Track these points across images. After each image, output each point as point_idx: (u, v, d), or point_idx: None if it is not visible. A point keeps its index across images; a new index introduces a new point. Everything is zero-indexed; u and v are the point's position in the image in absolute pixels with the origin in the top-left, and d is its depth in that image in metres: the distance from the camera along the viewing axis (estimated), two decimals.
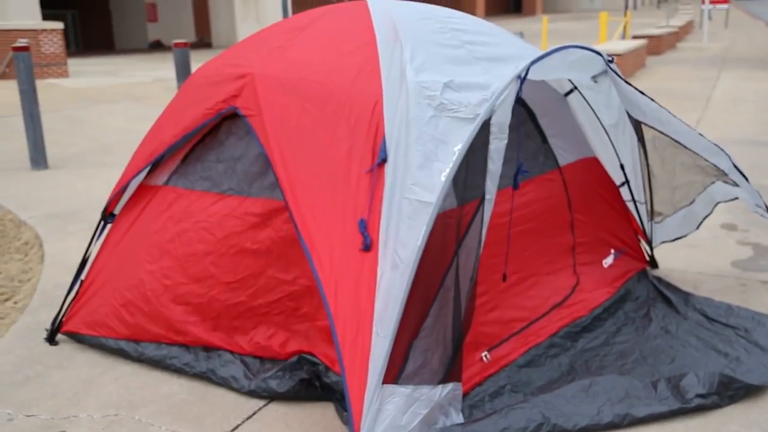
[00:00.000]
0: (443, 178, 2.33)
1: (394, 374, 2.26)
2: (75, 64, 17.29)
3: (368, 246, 2.40)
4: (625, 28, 19.46)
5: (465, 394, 2.66)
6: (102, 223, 3.32)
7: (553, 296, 3.25)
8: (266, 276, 2.81)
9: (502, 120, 2.46)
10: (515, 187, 2.97)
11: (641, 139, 3.48)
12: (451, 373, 2.40)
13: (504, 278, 3.09)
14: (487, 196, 2.44)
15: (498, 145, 2.46)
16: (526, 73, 2.55)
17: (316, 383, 2.74)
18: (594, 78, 3.14)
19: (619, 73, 3.16)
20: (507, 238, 3.09)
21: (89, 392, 2.87)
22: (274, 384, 2.75)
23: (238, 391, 2.81)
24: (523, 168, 2.99)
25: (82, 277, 3.26)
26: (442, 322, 2.37)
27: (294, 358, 2.78)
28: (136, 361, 3.05)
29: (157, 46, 25.60)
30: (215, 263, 2.88)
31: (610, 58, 3.08)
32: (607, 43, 14.18)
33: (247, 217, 2.84)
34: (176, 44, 7.11)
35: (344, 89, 2.69)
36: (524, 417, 2.52)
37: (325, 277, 2.46)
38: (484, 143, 2.42)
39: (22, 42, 6.58)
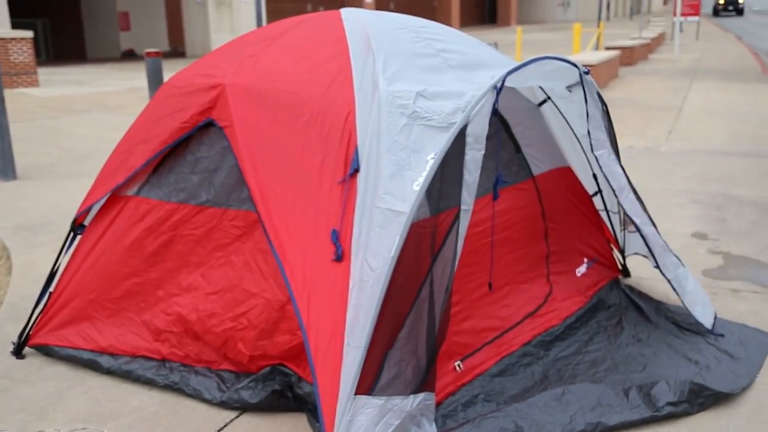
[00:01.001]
0: (416, 187, 2.33)
1: (367, 385, 2.25)
2: (45, 73, 17.09)
3: (340, 256, 2.39)
4: (598, 39, 19.69)
5: (438, 404, 2.66)
6: (71, 234, 3.27)
7: (527, 305, 3.26)
8: (239, 288, 2.79)
9: (478, 131, 2.47)
10: (495, 197, 2.98)
11: (616, 149, 3.50)
12: (424, 383, 2.40)
13: (490, 287, 3.10)
14: (463, 207, 2.44)
15: (474, 155, 2.46)
16: (503, 84, 2.56)
17: (288, 394, 2.71)
18: (569, 88, 3.16)
19: (595, 85, 3.18)
20: (486, 248, 3.10)
21: (57, 406, 2.82)
22: (246, 395, 2.72)
23: (210, 402, 2.79)
24: (502, 178, 2.99)
25: (51, 289, 3.21)
26: (417, 333, 2.36)
27: (266, 369, 2.76)
28: (105, 373, 3.01)
29: (130, 56, 25.39)
30: (204, 275, 2.88)
31: (586, 70, 3.11)
32: (580, 54, 14.34)
33: (231, 229, 2.85)
34: (148, 53, 7.05)
35: (316, 99, 2.69)
36: (497, 426, 2.52)
37: (297, 287, 2.45)
38: (459, 153, 2.42)
39: None
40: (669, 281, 3.25)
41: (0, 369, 3.11)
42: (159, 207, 2.99)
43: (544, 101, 3.39)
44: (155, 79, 7.08)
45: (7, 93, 11.92)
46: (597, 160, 3.18)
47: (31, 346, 3.19)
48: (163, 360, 2.94)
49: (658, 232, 3.34)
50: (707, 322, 3.24)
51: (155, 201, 3.01)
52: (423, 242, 2.35)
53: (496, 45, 10.12)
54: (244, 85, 2.86)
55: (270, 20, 25.19)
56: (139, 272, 2.99)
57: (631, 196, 3.25)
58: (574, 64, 3.02)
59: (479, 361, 2.92)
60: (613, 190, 3.21)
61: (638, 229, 3.24)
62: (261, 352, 2.75)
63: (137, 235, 3.01)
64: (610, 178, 3.20)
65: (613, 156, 3.22)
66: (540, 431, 2.51)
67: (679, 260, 3.36)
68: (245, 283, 2.78)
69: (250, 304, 2.76)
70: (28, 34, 14.23)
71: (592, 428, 2.57)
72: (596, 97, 3.16)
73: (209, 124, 2.92)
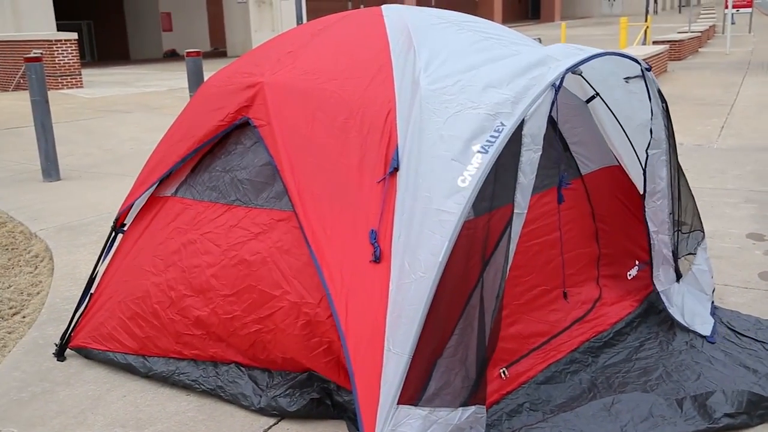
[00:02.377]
0: (461, 184, 2.23)
1: (411, 395, 2.16)
2: (89, 74, 17.40)
3: (378, 257, 2.31)
4: (645, 33, 19.25)
5: None
6: (113, 234, 3.26)
7: (575, 310, 3.15)
8: (258, 290, 2.71)
9: (535, 130, 2.34)
10: (560, 200, 2.87)
11: (673, 144, 3.34)
12: (473, 395, 2.30)
13: (565, 296, 3.00)
14: (516, 210, 2.33)
15: (531, 156, 2.34)
16: (561, 81, 2.43)
17: (327, 401, 2.65)
18: (626, 79, 3.03)
19: (657, 82, 3.03)
20: (535, 249, 2.99)
21: (96, 410, 2.80)
22: (284, 403, 2.67)
23: (248, 408, 2.74)
24: (565, 180, 2.88)
25: (92, 290, 3.20)
26: (467, 341, 2.26)
27: (304, 375, 2.70)
28: (144, 377, 2.99)
29: (171, 56, 25.73)
30: (216, 275, 2.81)
31: (648, 66, 2.97)
32: (627, 49, 14.04)
33: (252, 227, 2.77)
34: (188, 53, 7.08)
35: (356, 98, 2.62)
36: None
37: (336, 290, 2.38)
38: (514, 153, 2.31)
39: (35, 53, 6.57)
40: (658, 292, 3.21)
41: (41, 371, 3.12)
42: (192, 207, 2.96)
43: (593, 97, 3.26)
44: (196, 79, 7.11)
45: (52, 94, 12.15)
46: (647, 158, 3.06)
47: (71, 348, 3.19)
48: (196, 360, 2.89)
49: (673, 245, 3.23)
50: (702, 331, 3.13)
51: (190, 201, 2.99)
52: (473, 244, 2.25)
53: (539, 40, 9.93)
54: (282, 83, 2.80)
55: (311, 19, 25.28)
56: (159, 272, 2.96)
57: (661, 202, 3.13)
58: (636, 60, 2.89)
59: (525, 368, 2.82)
60: (645, 192, 3.10)
61: (648, 236, 3.17)
62: (291, 355, 2.68)
63: (167, 234, 2.98)
64: (648, 179, 3.09)
65: (664, 157, 3.09)
66: None
67: (680, 272, 3.27)
68: (264, 284, 2.69)
69: (273, 306, 2.67)
70: (73, 35, 14.50)
71: None
72: (657, 95, 3.03)
73: (245, 123, 2.88)
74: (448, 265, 2.18)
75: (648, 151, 3.07)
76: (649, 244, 3.18)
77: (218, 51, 26.13)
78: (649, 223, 3.15)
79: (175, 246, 2.93)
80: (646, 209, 3.13)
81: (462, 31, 2.88)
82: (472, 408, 2.27)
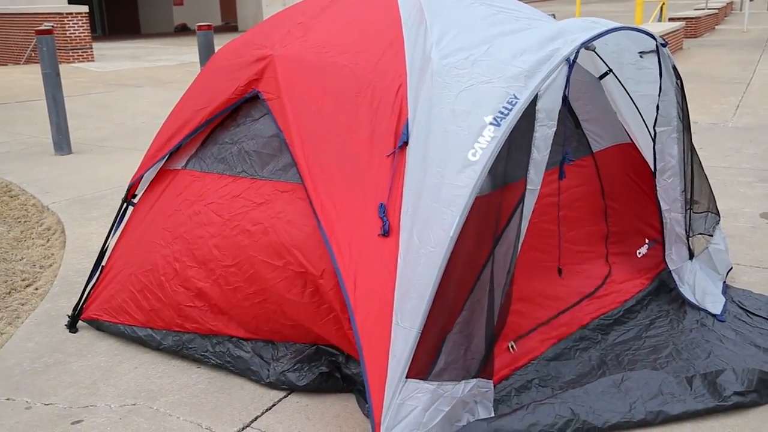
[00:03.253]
0: (471, 157, 2.22)
1: (419, 369, 2.17)
2: (100, 48, 17.35)
3: (387, 231, 2.30)
4: (661, 9, 18.98)
5: None
6: (124, 207, 3.27)
7: (584, 287, 3.14)
8: (259, 260, 2.69)
9: (549, 106, 2.32)
10: (561, 176, 2.85)
11: (688, 126, 3.30)
12: (482, 370, 2.30)
13: (559, 272, 2.98)
14: (529, 187, 2.32)
15: (545, 132, 2.32)
16: (576, 56, 2.40)
17: (336, 374, 2.66)
18: (641, 53, 3.00)
19: (672, 58, 2.99)
20: (543, 225, 2.98)
21: (108, 381, 2.83)
22: (293, 377, 2.68)
23: (258, 382, 2.75)
24: (569, 156, 2.86)
25: (103, 262, 3.21)
26: (477, 316, 2.26)
27: (312, 349, 2.70)
28: (155, 349, 3.01)
29: (182, 30, 25.61)
30: (218, 246, 2.80)
31: (663, 42, 2.93)
32: (642, 26, 13.87)
33: (255, 197, 2.76)
34: (200, 27, 7.05)
35: (367, 71, 2.60)
36: (552, 413, 2.42)
37: (344, 264, 2.38)
38: (527, 129, 2.29)
39: (46, 26, 6.55)
40: (670, 271, 3.19)
41: (53, 342, 3.14)
42: (200, 179, 2.96)
43: (606, 74, 3.22)
44: (207, 54, 7.08)
45: (63, 67, 12.13)
46: (655, 136, 3.03)
47: (83, 320, 3.22)
48: (200, 333, 2.89)
49: (685, 224, 3.20)
50: (713, 309, 3.12)
51: (198, 173, 2.98)
52: (485, 220, 2.24)
53: (554, 16, 9.80)
54: (292, 56, 2.78)
55: None
56: (167, 244, 2.95)
57: (672, 180, 3.11)
58: (651, 36, 2.85)
59: (534, 344, 2.82)
60: (655, 170, 3.07)
61: (660, 214, 3.15)
62: (300, 322, 2.68)
63: (176, 207, 2.98)
64: (658, 157, 3.06)
65: (675, 135, 3.05)
66: (597, 419, 2.41)
67: (692, 251, 3.24)
68: (265, 255, 2.67)
69: (276, 277, 2.65)
70: (84, 8, 14.45)
71: (654, 417, 2.45)
72: (671, 71, 2.98)
73: (255, 97, 2.86)
74: (458, 240, 2.17)
75: (656, 128, 3.04)
76: (661, 223, 3.16)
77: (229, 25, 25.97)
78: (660, 202, 3.12)
79: (182, 218, 2.93)
80: (658, 187, 3.10)
81: (474, 5, 2.85)
82: (474, 381, 2.28)
